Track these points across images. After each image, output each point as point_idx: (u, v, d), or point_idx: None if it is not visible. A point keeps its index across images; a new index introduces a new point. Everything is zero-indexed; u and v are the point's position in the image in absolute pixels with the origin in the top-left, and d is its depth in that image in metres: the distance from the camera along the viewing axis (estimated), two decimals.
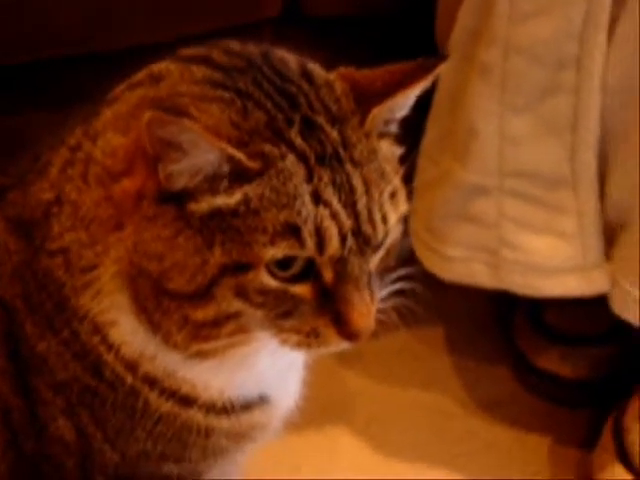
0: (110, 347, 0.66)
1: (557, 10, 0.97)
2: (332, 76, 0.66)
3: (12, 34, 1.02)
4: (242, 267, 0.59)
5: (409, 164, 0.96)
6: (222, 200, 0.59)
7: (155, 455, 0.69)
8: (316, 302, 0.61)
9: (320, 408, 1.19)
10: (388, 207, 0.62)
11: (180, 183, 0.60)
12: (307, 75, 0.65)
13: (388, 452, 1.16)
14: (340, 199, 0.60)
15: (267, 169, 0.59)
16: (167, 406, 0.68)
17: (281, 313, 0.61)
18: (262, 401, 0.73)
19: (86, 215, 0.64)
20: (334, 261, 0.60)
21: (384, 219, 0.62)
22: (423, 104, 1.12)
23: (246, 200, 0.59)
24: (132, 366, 0.66)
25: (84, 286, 0.64)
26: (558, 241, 1.04)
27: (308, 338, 0.62)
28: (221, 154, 0.58)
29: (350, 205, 0.60)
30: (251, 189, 0.59)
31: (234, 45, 0.66)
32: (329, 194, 0.59)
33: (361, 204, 0.60)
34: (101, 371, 0.67)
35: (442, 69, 0.66)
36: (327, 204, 0.59)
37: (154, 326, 0.63)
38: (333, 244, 0.60)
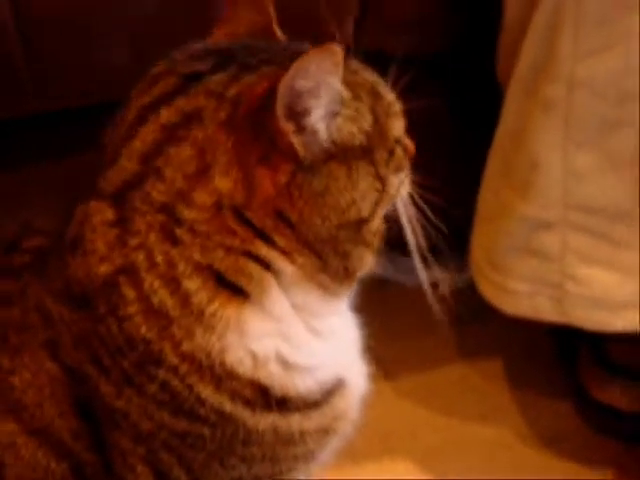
0: (215, 377, 0.67)
1: (619, 45, 0.98)
2: None
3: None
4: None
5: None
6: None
7: (248, 479, 0.71)
8: None
9: (379, 439, 1.19)
10: None
11: (323, 134, 0.66)
12: None
13: None
14: None
15: None
16: (265, 421, 0.69)
17: None
18: (340, 384, 0.74)
19: (200, 261, 0.66)
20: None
21: None
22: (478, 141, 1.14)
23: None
24: (234, 391, 0.68)
25: (189, 332, 0.66)
26: (622, 275, 1.04)
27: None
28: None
29: None
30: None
31: None
32: None
33: None
34: (194, 411, 0.68)
35: None
36: None
37: (325, 282, 0.69)
38: None
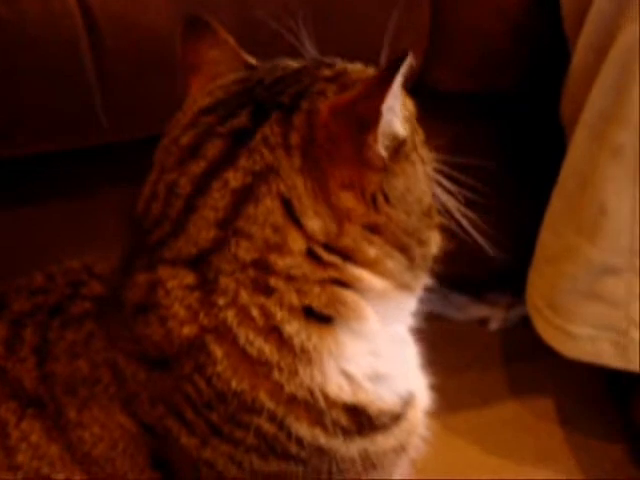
0: (314, 412, 0.68)
1: None
2: None
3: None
4: None
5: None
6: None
7: None
8: None
9: (431, 476, 1.19)
10: None
11: (396, 138, 0.69)
12: None
13: None
14: None
15: None
16: (356, 447, 0.70)
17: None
18: (411, 396, 0.75)
19: (297, 303, 0.67)
20: None
21: None
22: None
23: None
24: (332, 421, 0.69)
25: (291, 373, 0.67)
26: None
27: None
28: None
29: None
30: None
31: None
32: None
33: None
34: (285, 450, 0.69)
35: None
36: None
37: (407, 280, 0.71)
38: None
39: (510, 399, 1.31)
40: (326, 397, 0.68)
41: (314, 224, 0.67)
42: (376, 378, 0.71)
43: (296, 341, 0.67)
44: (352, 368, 0.70)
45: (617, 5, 1.01)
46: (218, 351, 0.67)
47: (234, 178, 0.67)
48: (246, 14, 1.03)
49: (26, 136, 1.06)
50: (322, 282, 0.67)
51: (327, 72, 0.71)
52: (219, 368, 0.67)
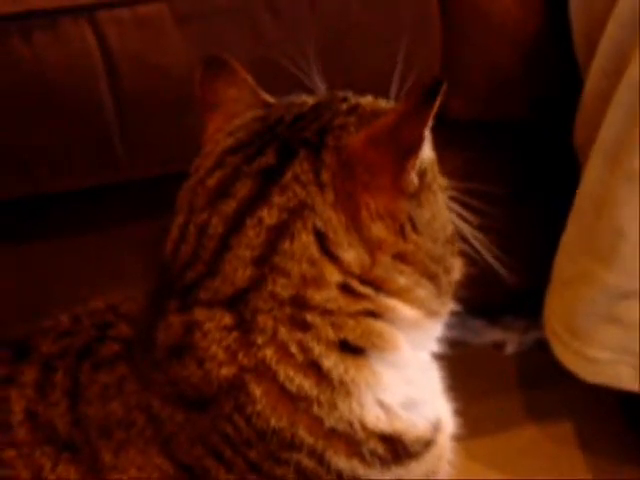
0: (352, 444, 0.68)
1: None
2: None
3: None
4: None
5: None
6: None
7: None
8: None
9: None
10: None
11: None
12: None
13: None
14: None
15: None
16: (391, 475, 0.71)
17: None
18: (438, 422, 0.76)
19: (333, 337, 0.67)
20: None
21: None
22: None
23: None
24: (370, 451, 0.69)
25: (331, 406, 0.67)
26: None
27: None
28: None
29: None
30: None
31: None
32: None
33: None
34: None
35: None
36: None
37: (436, 307, 0.72)
38: None
39: (527, 424, 1.30)
40: (364, 428, 0.69)
41: (349, 256, 0.67)
42: (409, 406, 0.72)
43: (334, 374, 0.67)
44: (388, 398, 0.70)
45: (629, 31, 1.02)
46: (257, 390, 0.67)
47: (269, 215, 0.67)
48: (261, 54, 1.05)
49: (44, 174, 1.07)
50: (356, 315, 0.68)
51: (344, 106, 0.72)
52: (258, 407, 0.67)
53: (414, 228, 0.69)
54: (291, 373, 0.67)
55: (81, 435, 0.71)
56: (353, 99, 0.74)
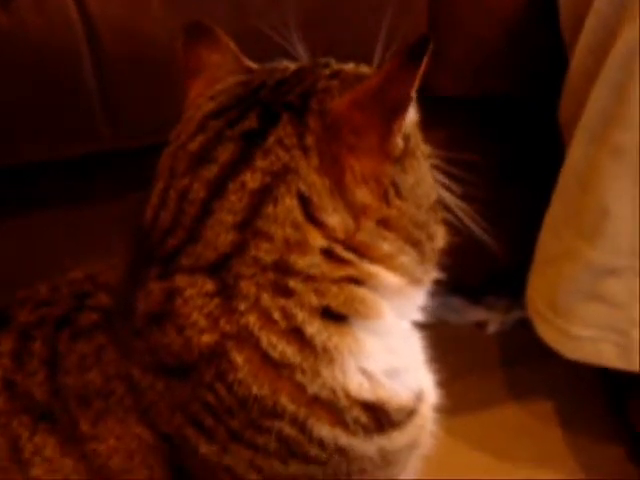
0: (335, 412, 0.68)
1: None
2: None
3: None
4: None
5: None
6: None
7: None
8: None
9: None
10: None
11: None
12: None
13: None
14: None
15: None
16: (375, 445, 0.70)
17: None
18: (421, 391, 0.75)
19: (316, 304, 0.67)
20: None
21: None
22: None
23: None
24: (353, 419, 0.69)
25: (314, 373, 0.67)
26: None
27: None
28: None
29: None
30: None
31: None
32: None
33: None
34: (306, 453, 0.68)
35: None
36: None
37: (419, 274, 0.71)
38: None
39: (509, 402, 1.31)
40: (347, 396, 0.68)
41: (333, 221, 0.67)
42: (392, 374, 0.72)
43: (317, 341, 0.67)
44: (371, 365, 0.70)
45: (616, 6, 1.01)
46: (239, 357, 0.66)
47: (252, 179, 0.66)
48: (243, 23, 1.04)
49: (27, 144, 1.06)
50: (339, 281, 0.67)
51: (326, 71, 0.72)
52: (240, 374, 0.66)
53: (398, 193, 0.69)
54: (274, 340, 0.66)
55: (59, 404, 0.70)
56: (335, 65, 0.73)
